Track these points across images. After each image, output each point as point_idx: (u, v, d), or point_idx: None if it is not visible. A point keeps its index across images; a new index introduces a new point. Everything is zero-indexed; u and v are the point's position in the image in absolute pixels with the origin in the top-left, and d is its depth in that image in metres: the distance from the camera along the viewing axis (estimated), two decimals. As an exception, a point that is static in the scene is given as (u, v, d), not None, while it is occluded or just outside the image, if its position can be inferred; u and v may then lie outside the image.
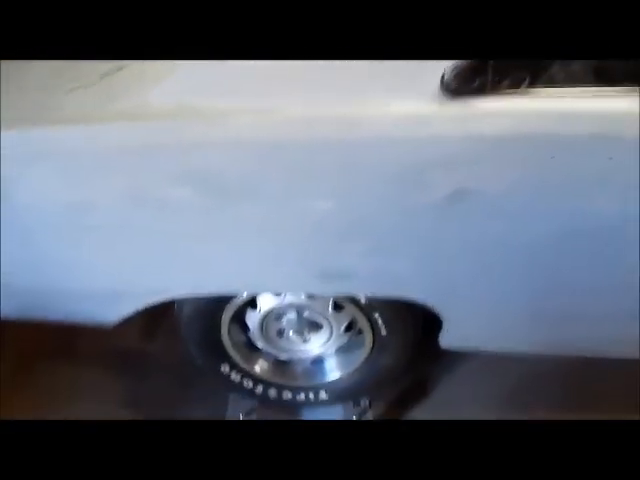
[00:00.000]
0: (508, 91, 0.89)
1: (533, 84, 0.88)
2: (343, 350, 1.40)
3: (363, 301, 1.23)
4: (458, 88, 0.88)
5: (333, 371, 1.41)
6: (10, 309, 1.30)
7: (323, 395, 1.44)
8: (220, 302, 1.27)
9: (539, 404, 1.57)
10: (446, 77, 0.88)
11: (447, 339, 1.26)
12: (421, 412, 1.57)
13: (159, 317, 1.76)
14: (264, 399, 1.46)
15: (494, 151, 0.91)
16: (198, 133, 0.95)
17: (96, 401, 1.59)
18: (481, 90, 0.88)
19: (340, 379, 1.41)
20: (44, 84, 1.05)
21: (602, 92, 0.87)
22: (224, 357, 1.37)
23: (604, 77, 0.89)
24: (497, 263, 1.03)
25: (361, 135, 0.90)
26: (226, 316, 1.29)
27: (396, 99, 0.90)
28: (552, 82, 0.88)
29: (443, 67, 0.88)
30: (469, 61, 0.87)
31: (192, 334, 1.33)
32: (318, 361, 1.43)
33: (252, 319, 1.34)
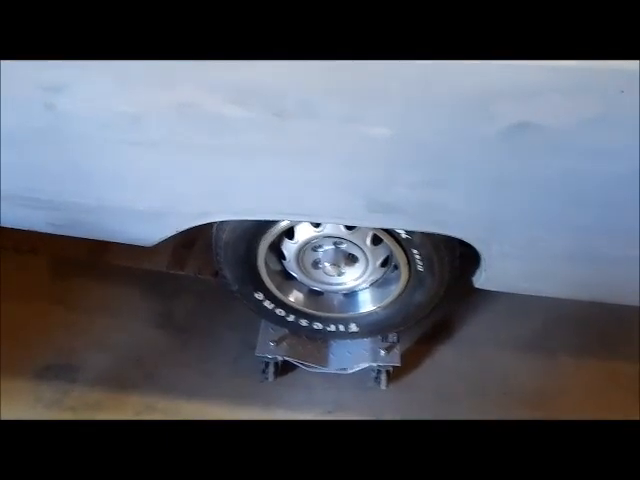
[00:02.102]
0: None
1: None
2: (377, 284, 1.45)
3: (403, 236, 1.26)
4: None
5: (366, 304, 1.47)
6: (49, 224, 1.35)
7: (353, 327, 1.50)
8: (259, 230, 1.30)
9: (561, 349, 1.64)
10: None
11: (483, 279, 1.29)
12: (446, 350, 1.64)
13: (190, 247, 1.83)
14: (295, 328, 1.53)
15: (561, 82, 0.89)
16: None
17: (127, 319, 1.69)
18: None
19: (372, 313, 1.46)
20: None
21: None
22: (259, 284, 1.43)
23: None
24: (550, 202, 1.05)
25: (426, 61, 0.89)
26: (264, 244, 1.33)
27: None
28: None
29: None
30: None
31: (228, 259, 1.38)
32: (352, 294, 1.48)
33: (289, 249, 1.38)
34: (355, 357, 1.54)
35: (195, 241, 1.85)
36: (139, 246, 1.35)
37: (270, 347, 1.52)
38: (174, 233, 1.28)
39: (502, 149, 0.97)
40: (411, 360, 1.59)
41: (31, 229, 1.38)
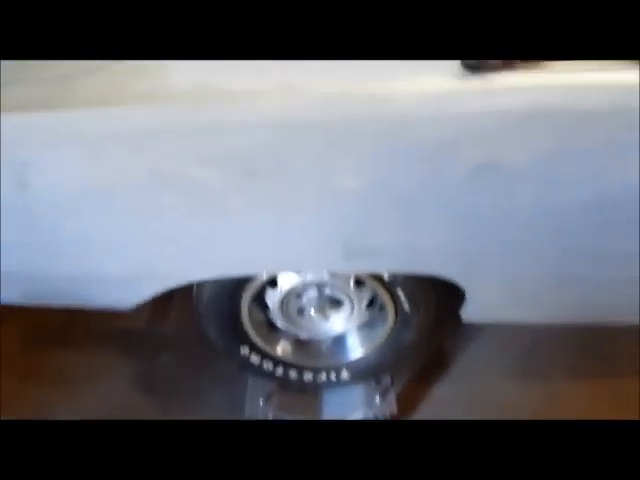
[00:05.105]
0: (524, 66, 1.01)
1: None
2: (365, 327, 1.54)
3: (386, 277, 1.36)
4: (477, 65, 1.01)
5: (355, 349, 1.55)
6: (20, 295, 1.42)
7: (345, 375, 1.58)
8: (241, 282, 1.39)
9: (555, 370, 1.73)
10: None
11: (469, 312, 1.40)
12: (441, 386, 1.72)
13: (171, 299, 1.89)
14: (284, 381, 1.60)
15: (515, 124, 1.03)
16: (223, 114, 1.07)
17: (106, 386, 1.73)
18: (499, 66, 1.01)
19: (362, 357, 1.55)
20: (59, 65, 1.14)
21: (613, 65, 0.99)
22: (244, 339, 1.50)
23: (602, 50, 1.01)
24: (522, 234, 1.17)
25: (388, 112, 1.02)
26: (246, 296, 1.42)
27: (420, 76, 1.02)
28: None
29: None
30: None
31: (211, 316, 1.46)
32: (340, 339, 1.57)
33: (272, 298, 1.46)
34: (349, 406, 1.59)
35: (174, 295, 1.92)
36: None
37: (259, 406, 1.57)
38: (153, 295, 1.36)
39: (471, 188, 1.09)
40: (407, 399, 1.65)
41: (4, 302, 1.44)
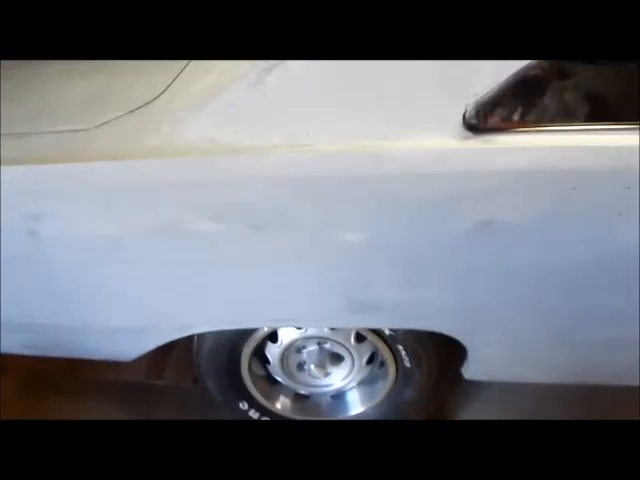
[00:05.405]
0: (526, 128, 1.06)
1: (524, 117, 1.07)
2: (365, 383, 1.54)
3: (387, 332, 1.37)
4: (479, 125, 1.05)
5: (355, 405, 1.55)
6: (22, 346, 1.43)
7: (344, 431, 1.56)
8: (241, 336, 1.40)
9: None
10: (467, 115, 1.04)
11: (471, 370, 1.39)
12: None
13: (170, 351, 1.89)
14: (283, 437, 1.58)
15: (515, 183, 1.06)
16: (230, 169, 1.10)
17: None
18: (501, 127, 1.05)
19: (362, 413, 1.53)
20: (73, 118, 1.20)
21: (611, 127, 1.04)
22: (243, 393, 1.50)
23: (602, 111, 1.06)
24: (521, 293, 1.18)
25: (391, 170, 1.06)
26: (247, 350, 1.43)
27: (423, 136, 1.06)
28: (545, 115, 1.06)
29: (464, 104, 1.05)
30: (488, 99, 1.04)
31: (211, 369, 1.46)
32: (339, 395, 1.56)
33: (272, 352, 1.47)
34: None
35: (173, 347, 1.92)
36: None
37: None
38: (154, 347, 1.37)
39: (471, 246, 1.12)
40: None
41: (4, 352, 1.45)
